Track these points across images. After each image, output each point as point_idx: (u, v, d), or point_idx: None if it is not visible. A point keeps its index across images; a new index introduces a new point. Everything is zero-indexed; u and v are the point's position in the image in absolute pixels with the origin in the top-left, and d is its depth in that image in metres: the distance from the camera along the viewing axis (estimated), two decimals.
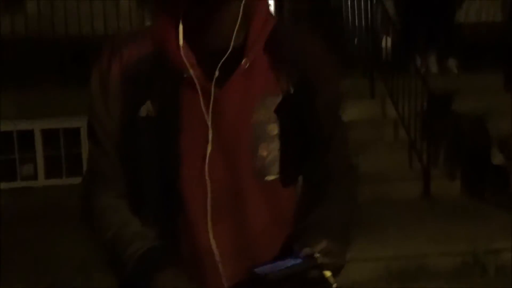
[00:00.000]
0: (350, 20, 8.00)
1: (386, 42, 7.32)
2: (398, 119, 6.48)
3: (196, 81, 1.27)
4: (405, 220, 5.13)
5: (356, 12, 7.79)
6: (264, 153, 1.31)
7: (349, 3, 8.08)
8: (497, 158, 5.62)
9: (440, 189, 5.84)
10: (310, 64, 1.38)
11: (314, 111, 1.37)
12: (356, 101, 6.13)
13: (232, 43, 1.30)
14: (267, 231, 1.38)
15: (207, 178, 1.29)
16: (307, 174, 1.41)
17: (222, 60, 1.28)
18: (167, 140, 1.30)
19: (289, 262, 1.22)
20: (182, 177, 1.30)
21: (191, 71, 1.27)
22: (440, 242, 4.66)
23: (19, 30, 7.21)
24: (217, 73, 1.28)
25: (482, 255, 4.48)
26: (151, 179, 1.32)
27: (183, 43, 1.30)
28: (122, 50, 1.33)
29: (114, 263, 1.35)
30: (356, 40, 7.90)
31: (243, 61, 1.29)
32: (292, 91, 1.34)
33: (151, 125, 1.30)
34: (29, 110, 6.28)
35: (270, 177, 1.33)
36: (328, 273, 1.24)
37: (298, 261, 1.21)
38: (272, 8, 7.38)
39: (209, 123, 1.28)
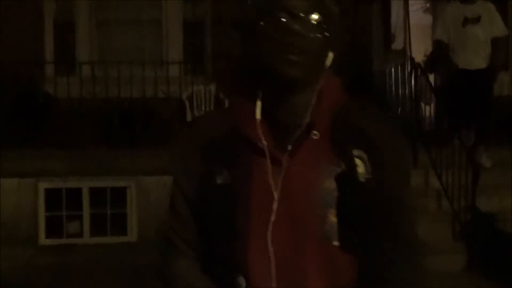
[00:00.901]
0: (393, 90, 8.09)
1: (430, 112, 7.41)
2: (441, 190, 6.39)
3: (267, 151, 1.32)
4: None
5: (400, 81, 7.88)
6: (334, 219, 1.33)
7: (393, 73, 8.19)
8: None
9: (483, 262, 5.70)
10: (375, 145, 1.41)
11: (374, 193, 1.38)
12: None
13: (306, 120, 1.35)
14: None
15: (269, 246, 1.30)
16: (366, 248, 1.38)
17: (296, 135, 1.33)
18: (237, 206, 1.33)
19: None
20: (248, 244, 1.32)
21: (265, 143, 1.33)
22: None
23: (74, 92, 7.36)
24: (289, 146, 1.33)
25: None
26: (221, 243, 1.36)
27: (260, 118, 1.36)
28: (203, 128, 1.43)
29: None
30: (399, 109, 7.93)
31: (313, 133, 1.34)
32: (349, 164, 1.37)
33: (226, 192, 1.34)
34: (78, 168, 6.37)
35: (334, 242, 1.34)
36: None
37: None
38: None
39: (276, 192, 1.31)
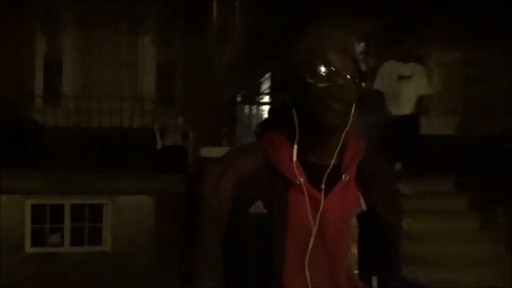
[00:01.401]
0: None
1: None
2: None
3: (305, 189, 1.32)
4: None
5: None
6: (355, 251, 1.37)
7: None
8: None
9: None
10: (384, 189, 1.45)
11: (386, 224, 1.43)
12: None
13: (333, 161, 1.37)
14: None
15: (307, 273, 1.30)
16: (380, 277, 1.41)
17: (326, 174, 1.35)
18: (274, 235, 1.32)
19: None
20: (286, 271, 1.31)
21: (301, 180, 1.33)
22: None
23: (60, 121, 7.37)
24: (323, 186, 1.34)
25: None
26: (254, 270, 1.33)
27: (296, 160, 1.36)
28: (236, 160, 1.38)
29: None
30: None
31: (344, 176, 1.36)
32: (367, 207, 1.40)
33: (261, 220, 1.32)
34: (61, 187, 6.34)
35: (355, 272, 1.37)
36: None
37: None
38: None
39: (315, 225, 1.31)
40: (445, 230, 5.79)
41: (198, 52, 7.29)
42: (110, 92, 7.59)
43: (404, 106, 6.29)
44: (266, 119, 1.49)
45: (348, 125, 1.33)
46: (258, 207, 1.31)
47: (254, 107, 9.68)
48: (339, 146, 1.35)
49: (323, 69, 1.30)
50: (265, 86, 9.52)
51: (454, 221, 6.02)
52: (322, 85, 1.30)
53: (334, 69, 1.30)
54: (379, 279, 1.37)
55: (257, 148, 1.41)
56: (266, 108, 9.03)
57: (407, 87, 6.22)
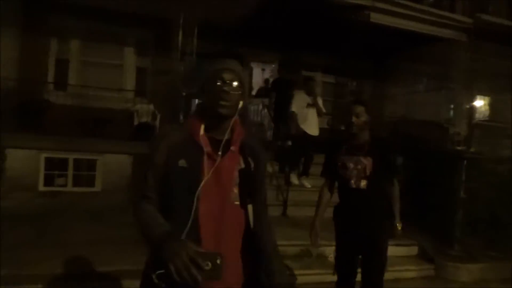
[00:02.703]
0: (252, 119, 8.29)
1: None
2: (272, 172, 5.97)
3: (208, 153, 1.39)
4: None
5: (255, 114, 8.18)
6: (236, 190, 1.42)
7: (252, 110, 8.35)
8: None
9: None
10: (256, 155, 1.52)
11: (254, 176, 1.48)
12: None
13: (225, 137, 1.43)
14: (233, 232, 1.42)
15: (195, 202, 1.34)
16: (253, 206, 1.45)
17: (222, 145, 1.42)
18: (193, 181, 1.35)
19: None
20: (199, 202, 1.34)
21: (207, 149, 1.40)
22: None
23: (66, 101, 7.32)
24: (220, 152, 1.41)
25: None
26: (180, 201, 1.35)
27: (203, 134, 1.43)
28: (169, 133, 1.44)
29: (147, 236, 1.30)
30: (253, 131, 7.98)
31: (232, 148, 1.44)
32: (245, 166, 1.46)
33: (185, 171, 1.36)
34: (66, 147, 6.29)
35: (236, 202, 1.41)
36: None
37: None
38: None
39: (208, 175, 1.36)
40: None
41: (166, 60, 7.35)
42: (102, 84, 7.47)
43: (311, 126, 6.06)
44: (193, 111, 1.63)
45: (235, 115, 1.45)
46: (183, 162, 1.37)
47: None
48: (229, 128, 1.44)
49: (218, 82, 1.42)
50: None
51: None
52: (216, 90, 1.41)
53: (223, 81, 1.42)
54: (253, 205, 1.44)
55: (183, 127, 1.47)
56: None
57: (312, 112, 6.01)
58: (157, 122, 7.12)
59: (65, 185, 6.35)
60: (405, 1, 7.03)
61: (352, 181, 2.67)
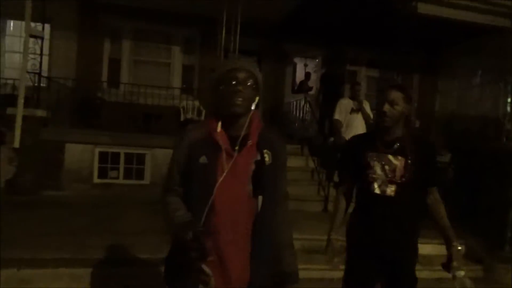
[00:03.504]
0: (295, 113, 8.52)
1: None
2: (314, 168, 6.45)
3: (223, 149, 1.43)
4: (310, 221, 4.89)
5: (298, 108, 8.33)
6: (250, 183, 1.45)
7: (294, 103, 8.42)
8: None
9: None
10: (274, 147, 1.52)
11: (271, 168, 1.48)
12: (293, 157, 6.48)
13: (242, 133, 1.45)
14: (246, 223, 1.45)
15: (216, 192, 1.39)
16: (265, 196, 1.46)
17: (239, 141, 1.45)
18: (212, 176, 1.40)
19: None
20: (216, 195, 1.39)
21: (224, 146, 1.43)
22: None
23: (118, 99, 7.58)
24: (237, 148, 1.44)
25: None
26: (199, 194, 1.40)
27: (220, 130, 1.45)
28: (191, 131, 1.50)
29: (169, 225, 1.40)
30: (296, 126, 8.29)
31: (249, 142, 1.45)
32: (260, 159, 1.47)
33: (205, 167, 1.41)
34: (119, 141, 6.53)
35: (250, 194, 1.44)
36: None
37: None
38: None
39: (227, 168, 1.41)
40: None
41: (210, 58, 7.42)
42: (151, 82, 7.65)
43: (355, 132, 5.68)
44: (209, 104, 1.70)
45: (251, 112, 1.46)
46: (204, 159, 1.41)
47: None
48: (246, 124, 1.45)
49: (231, 81, 1.42)
50: None
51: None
52: (230, 90, 1.43)
53: (237, 80, 1.43)
54: (263, 197, 1.45)
55: (203, 125, 1.51)
56: None
57: (357, 117, 5.75)
58: (202, 118, 7.26)
59: (117, 178, 6.63)
60: None
61: (376, 185, 2.06)
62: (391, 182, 2.05)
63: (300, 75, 9.81)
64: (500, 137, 6.78)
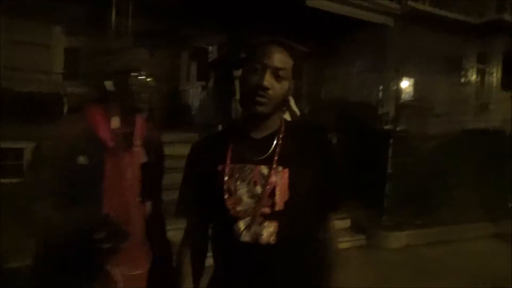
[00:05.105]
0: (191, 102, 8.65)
1: None
2: None
3: (111, 149, 1.36)
4: None
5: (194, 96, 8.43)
6: (138, 186, 1.40)
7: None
8: None
9: None
10: (158, 148, 1.51)
11: (158, 170, 1.48)
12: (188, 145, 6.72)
13: (131, 136, 1.40)
14: (139, 229, 1.40)
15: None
16: (155, 198, 1.45)
17: (126, 139, 1.40)
18: (95, 179, 1.33)
19: None
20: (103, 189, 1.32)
21: (110, 143, 1.36)
22: None
23: None
24: (123, 148, 1.39)
25: None
26: (81, 199, 1.30)
27: (105, 125, 1.37)
28: (66, 125, 1.38)
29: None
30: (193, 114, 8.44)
31: (135, 142, 1.42)
32: (147, 160, 1.43)
33: (85, 169, 1.31)
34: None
35: (139, 198, 1.41)
36: None
37: None
38: None
39: (112, 172, 1.35)
40: None
41: (98, 42, 6.69)
42: (29, 65, 7.04)
43: None
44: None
45: (144, 111, 1.42)
46: (83, 159, 1.30)
47: None
48: (135, 122, 1.41)
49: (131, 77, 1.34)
50: None
51: None
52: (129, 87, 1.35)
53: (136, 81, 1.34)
54: (152, 203, 1.42)
55: (82, 117, 1.37)
56: None
57: None
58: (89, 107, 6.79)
59: None
60: None
61: (242, 226, 1.17)
62: (268, 215, 1.16)
63: (198, 61, 9.68)
64: (375, 120, 7.75)
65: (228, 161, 1.19)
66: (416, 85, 10.02)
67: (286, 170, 1.18)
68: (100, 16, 6.79)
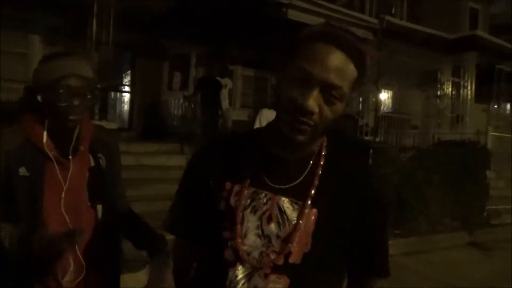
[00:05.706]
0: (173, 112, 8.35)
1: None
2: None
3: (55, 158, 1.29)
4: None
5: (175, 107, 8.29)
6: (86, 191, 1.34)
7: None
8: None
9: None
10: (108, 151, 1.42)
11: (107, 174, 1.39)
12: (173, 155, 6.20)
13: (74, 137, 1.34)
14: (88, 235, 1.32)
15: (63, 208, 1.26)
16: (104, 204, 1.36)
17: (71, 148, 1.32)
18: (37, 191, 1.26)
19: None
20: (46, 211, 1.24)
21: (52, 153, 1.28)
22: None
23: None
24: (70, 156, 1.32)
25: None
26: (25, 212, 1.23)
27: (43, 134, 1.29)
28: (5, 136, 1.27)
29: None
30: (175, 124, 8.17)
31: (81, 147, 1.35)
32: (95, 164, 1.37)
33: (26, 181, 1.24)
34: None
35: (88, 203, 1.33)
36: None
37: None
38: None
39: (65, 184, 1.29)
40: None
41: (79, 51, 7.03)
42: (6, 75, 6.75)
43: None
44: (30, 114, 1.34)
45: (80, 118, 1.29)
46: (23, 170, 1.22)
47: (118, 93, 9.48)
48: (76, 131, 1.31)
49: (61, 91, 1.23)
50: (126, 79, 9.47)
51: None
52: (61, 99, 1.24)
53: (69, 89, 1.24)
54: (103, 206, 1.34)
55: (20, 127, 1.28)
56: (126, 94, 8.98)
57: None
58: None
59: None
60: (321, 0, 7.52)
61: (240, 272, 0.84)
62: (278, 267, 0.84)
63: (179, 72, 9.69)
64: (356, 130, 7.92)
65: (239, 181, 0.85)
66: (394, 98, 10.28)
67: (315, 211, 0.83)
68: (81, 27, 6.74)
